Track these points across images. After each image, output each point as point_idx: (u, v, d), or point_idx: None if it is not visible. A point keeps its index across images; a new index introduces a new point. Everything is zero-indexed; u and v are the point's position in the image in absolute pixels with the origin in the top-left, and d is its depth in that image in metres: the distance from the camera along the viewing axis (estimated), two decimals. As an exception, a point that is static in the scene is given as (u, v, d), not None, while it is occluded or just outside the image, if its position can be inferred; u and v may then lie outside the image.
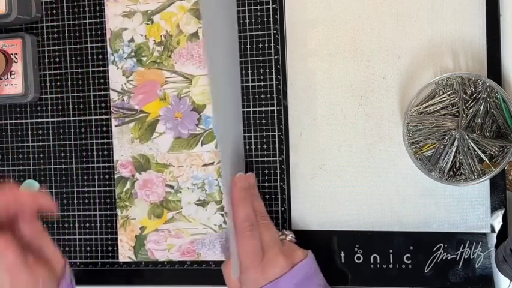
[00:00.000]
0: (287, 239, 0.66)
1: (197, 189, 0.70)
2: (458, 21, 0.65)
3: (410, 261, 0.66)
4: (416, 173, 0.63)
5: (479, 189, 0.65)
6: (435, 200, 0.66)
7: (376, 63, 0.67)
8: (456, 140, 0.62)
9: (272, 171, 0.69)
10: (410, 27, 0.66)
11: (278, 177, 0.69)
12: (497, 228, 0.65)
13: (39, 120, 0.75)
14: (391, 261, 0.67)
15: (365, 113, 0.67)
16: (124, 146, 0.71)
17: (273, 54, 0.69)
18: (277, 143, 0.69)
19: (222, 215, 0.70)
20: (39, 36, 0.74)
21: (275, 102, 0.69)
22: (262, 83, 0.69)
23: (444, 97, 0.63)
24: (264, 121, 0.69)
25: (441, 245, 0.66)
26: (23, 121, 0.75)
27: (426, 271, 0.66)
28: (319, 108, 0.68)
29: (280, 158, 0.69)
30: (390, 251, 0.67)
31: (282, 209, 0.69)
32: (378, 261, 0.67)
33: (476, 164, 0.62)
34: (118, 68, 0.71)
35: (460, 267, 0.66)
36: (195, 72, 0.70)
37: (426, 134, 0.63)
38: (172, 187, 0.71)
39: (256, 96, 0.69)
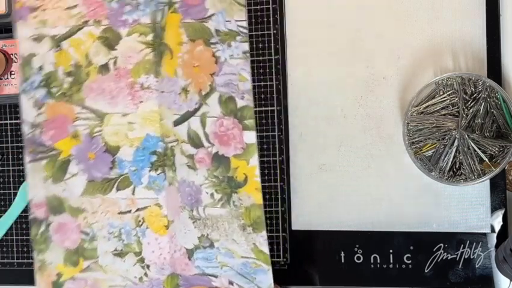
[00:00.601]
0: None
1: (113, 238, 0.64)
2: (458, 21, 0.65)
3: (410, 261, 0.66)
4: (416, 173, 0.63)
5: (479, 189, 0.65)
6: (435, 200, 0.66)
7: (376, 63, 0.67)
8: (456, 140, 0.62)
9: (272, 171, 0.69)
10: (410, 27, 0.66)
11: (278, 177, 0.69)
12: (497, 228, 0.65)
13: (39, 120, 0.75)
14: (391, 261, 0.67)
15: (365, 113, 0.67)
16: (38, 185, 0.64)
17: (273, 54, 0.69)
18: (277, 143, 0.69)
19: (143, 267, 0.65)
20: (39, 36, 0.74)
21: (275, 102, 0.69)
22: (262, 83, 0.69)
23: (444, 97, 0.63)
24: (264, 121, 0.69)
25: (442, 245, 0.66)
26: (23, 121, 0.75)
27: (426, 271, 0.66)
28: (319, 108, 0.68)
29: (280, 158, 0.69)
30: (390, 251, 0.67)
31: (282, 209, 0.69)
32: (378, 261, 0.67)
33: (476, 164, 0.62)
34: (30, 97, 0.64)
35: (460, 267, 0.66)
36: (106, 109, 0.63)
37: (427, 134, 0.63)
38: (87, 234, 0.65)
39: (256, 96, 0.69)
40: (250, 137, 0.60)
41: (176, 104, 0.62)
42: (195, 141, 0.62)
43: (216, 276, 0.64)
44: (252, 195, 0.61)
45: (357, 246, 0.68)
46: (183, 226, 0.63)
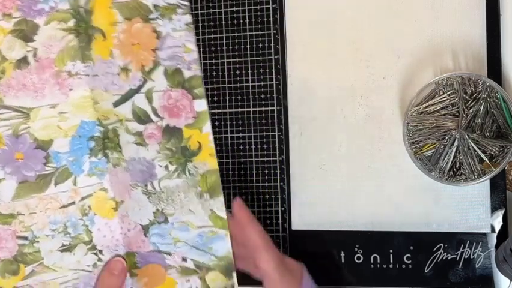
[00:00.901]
0: None
1: (58, 234, 0.62)
2: (458, 21, 0.65)
3: (410, 261, 0.66)
4: (416, 173, 0.63)
5: (479, 189, 0.65)
6: (435, 200, 0.66)
7: (376, 63, 0.67)
8: (456, 140, 0.62)
9: (272, 171, 0.69)
10: (410, 27, 0.66)
11: (278, 177, 0.69)
12: (497, 228, 0.65)
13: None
14: (391, 261, 0.67)
15: (365, 113, 0.67)
16: None
17: (273, 54, 0.69)
18: (277, 143, 0.69)
19: (95, 253, 0.63)
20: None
21: (275, 102, 0.69)
22: (262, 83, 0.69)
23: (444, 97, 0.63)
24: (264, 121, 0.69)
25: (442, 245, 0.66)
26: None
27: (426, 271, 0.66)
28: (319, 108, 0.68)
29: (280, 158, 0.69)
30: (390, 251, 0.67)
31: (282, 209, 0.69)
32: (378, 261, 0.67)
33: (476, 164, 0.62)
34: None
35: (460, 267, 0.66)
36: (32, 104, 0.59)
37: (427, 134, 0.63)
38: (25, 238, 0.61)
39: (256, 96, 0.69)
40: (201, 104, 0.59)
41: (115, 85, 0.61)
42: (141, 117, 0.61)
43: (169, 254, 0.63)
44: (207, 161, 0.60)
45: (357, 246, 0.68)
46: (136, 203, 0.63)
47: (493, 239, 0.65)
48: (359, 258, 0.68)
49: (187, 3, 0.59)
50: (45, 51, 0.59)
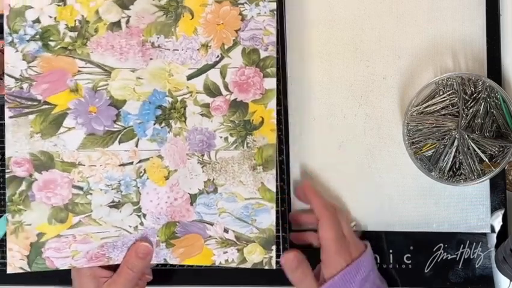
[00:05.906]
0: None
1: (111, 190, 0.65)
2: (458, 21, 0.65)
3: (410, 261, 0.66)
4: (416, 172, 0.63)
5: (479, 189, 0.65)
6: (435, 200, 0.66)
7: (376, 63, 0.67)
8: (456, 140, 0.62)
9: (272, 171, 0.69)
10: (410, 27, 0.66)
11: (278, 177, 0.69)
12: (497, 228, 0.65)
13: (39, 120, 0.74)
14: (391, 261, 0.67)
15: (365, 113, 0.67)
16: (20, 141, 0.63)
17: (273, 54, 0.68)
18: (277, 143, 0.69)
19: (139, 216, 0.65)
20: (39, 36, 0.74)
21: (275, 102, 0.69)
22: (262, 83, 0.69)
23: (444, 97, 0.63)
24: (264, 121, 0.69)
25: (441, 245, 0.66)
26: (23, 121, 0.75)
27: (426, 271, 0.66)
28: (319, 108, 0.68)
29: (280, 158, 0.69)
30: (390, 251, 0.67)
31: (282, 209, 0.69)
32: (378, 261, 0.67)
33: (476, 164, 0.62)
34: (17, 51, 0.62)
35: (460, 267, 0.66)
36: (115, 65, 0.64)
37: (426, 134, 0.63)
38: (80, 188, 0.64)
39: (256, 96, 0.69)
40: (270, 83, 0.64)
41: (193, 59, 0.66)
42: (211, 91, 0.66)
43: (211, 224, 0.66)
44: (267, 136, 0.65)
45: (357, 246, 0.68)
46: (190, 172, 0.66)
47: (493, 239, 0.65)
48: (359, 258, 0.68)
49: None
50: (136, 21, 0.65)
